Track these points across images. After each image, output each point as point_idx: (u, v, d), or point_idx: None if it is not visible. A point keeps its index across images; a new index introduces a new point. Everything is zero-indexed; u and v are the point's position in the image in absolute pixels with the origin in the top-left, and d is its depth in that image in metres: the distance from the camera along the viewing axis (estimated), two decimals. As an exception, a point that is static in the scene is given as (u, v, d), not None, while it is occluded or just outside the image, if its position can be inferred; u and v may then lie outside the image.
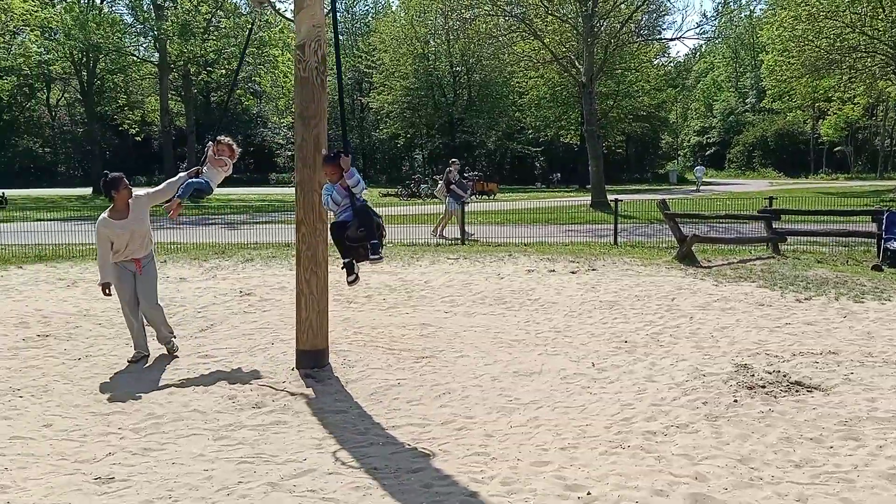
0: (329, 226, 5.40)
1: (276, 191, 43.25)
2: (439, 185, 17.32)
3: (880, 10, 29.99)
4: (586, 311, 8.20)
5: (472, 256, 12.40)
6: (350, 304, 8.65)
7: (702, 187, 41.21)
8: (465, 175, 34.36)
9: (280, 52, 34.41)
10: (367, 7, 61.76)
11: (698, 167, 47.12)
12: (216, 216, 21.37)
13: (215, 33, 34.89)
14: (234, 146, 6.60)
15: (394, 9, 57.97)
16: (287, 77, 33.58)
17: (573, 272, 10.82)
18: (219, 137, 6.54)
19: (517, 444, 4.44)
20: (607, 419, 4.84)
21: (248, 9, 35.71)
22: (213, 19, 34.68)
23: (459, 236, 15.37)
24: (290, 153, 54.98)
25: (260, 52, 33.82)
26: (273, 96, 50.33)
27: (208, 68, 38.55)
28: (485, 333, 7.25)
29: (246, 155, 62.10)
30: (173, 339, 6.58)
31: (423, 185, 35.63)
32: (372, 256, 5.27)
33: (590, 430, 4.64)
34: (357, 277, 5.50)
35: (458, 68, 51.59)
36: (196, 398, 5.39)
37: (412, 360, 6.33)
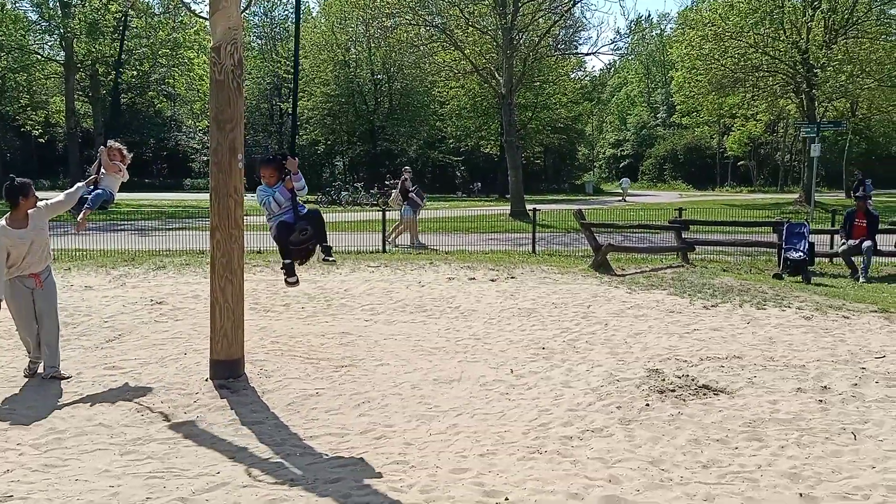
0: (273, 226, 5.44)
1: (190, 196, 41.94)
2: (394, 194, 17.26)
3: (781, 31, 31.80)
4: (505, 319, 8.30)
5: (392, 264, 12.36)
6: (267, 313, 8.47)
7: (619, 198, 42.63)
8: (387, 183, 34.25)
9: (196, 54, 33.49)
10: (286, 12, 60.77)
11: (624, 179, 49.61)
12: (126, 222, 20.53)
13: (126, 33, 33.64)
14: (125, 150, 6.33)
15: (314, 14, 57.36)
16: (203, 80, 32.72)
17: (493, 280, 10.94)
18: (108, 142, 6.28)
19: (436, 452, 4.44)
20: (525, 425, 4.90)
21: (160, 9, 34.63)
22: (125, 19, 33.43)
23: (411, 244, 15.46)
24: (205, 158, 53.47)
25: (174, 53, 32.82)
26: (188, 99, 48.91)
27: (118, 69, 37.10)
28: (405, 341, 7.23)
29: (159, 159, 60.09)
30: (59, 369, 5.99)
31: (343, 193, 35.31)
32: (329, 258, 5.60)
33: (508, 437, 4.69)
34: (297, 280, 5.67)
35: (379, 76, 51.48)
36: (102, 412, 5.15)
37: (331, 370, 6.24)
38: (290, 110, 58.31)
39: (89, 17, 31.90)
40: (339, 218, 21.50)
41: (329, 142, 53.71)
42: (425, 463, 4.27)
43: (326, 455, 4.41)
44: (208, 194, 5.95)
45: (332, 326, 7.84)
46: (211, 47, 5.87)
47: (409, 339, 7.34)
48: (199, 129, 55.33)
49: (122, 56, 34.05)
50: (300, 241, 5.42)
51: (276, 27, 59.69)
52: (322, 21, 51.93)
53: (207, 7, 5.97)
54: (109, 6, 32.11)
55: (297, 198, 5.45)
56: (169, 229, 17.08)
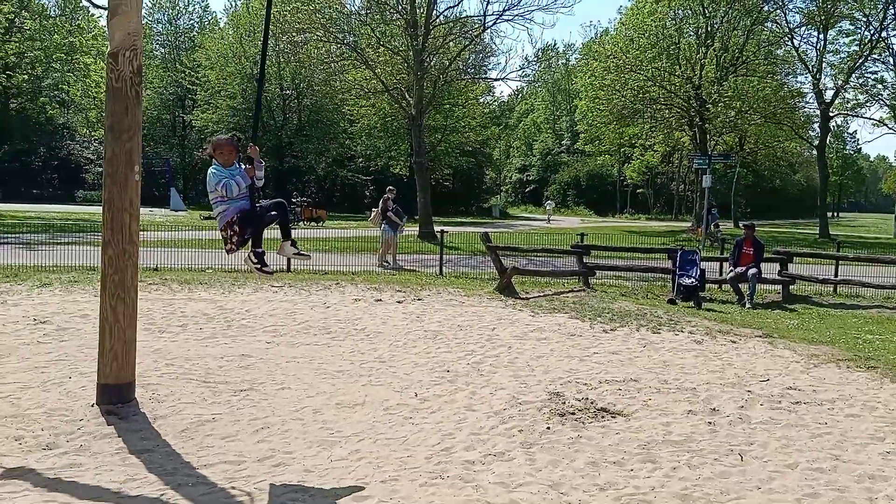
0: (230, 212, 5.04)
1: (82, 209, 39.89)
2: (374, 213, 17.06)
3: (677, 67, 33.57)
4: (411, 341, 8.26)
5: (297, 284, 12.12)
6: (162, 334, 8.10)
7: (543, 219, 43.73)
8: (294, 201, 33.73)
9: (93, 59, 32.02)
10: (191, 21, 59.15)
11: (549, 201, 51.82)
12: (10, 235, 19.27)
13: (18, 35, 31.81)
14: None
15: (221, 25, 56.07)
16: (100, 87, 31.27)
17: (399, 302, 10.90)
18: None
19: (337, 479, 4.34)
20: (428, 450, 4.87)
21: (56, 11, 32.98)
22: (17, 20, 31.61)
23: (389, 263, 15.36)
24: (99, 169, 51.02)
25: (70, 58, 31.27)
26: (83, 107, 46.64)
27: (7, 72, 34.99)
28: (308, 364, 7.07)
29: (49, 169, 56.84)
30: None
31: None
32: (303, 253, 5.61)
33: (410, 462, 4.64)
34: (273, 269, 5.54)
35: (288, 91, 50.80)
36: (-27, 441, 4.75)
37: (229, 394, 6.02)
38: (193, 122, 56.32)
39: (-24, 17, 30.06)
40: (243, 235, 20.95)
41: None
42: (325, 491, 4.16)
43: (221, 484, 4.22)
44: (101, 207, 5.64)
45: (232, 348, 7.57)
46: (108, 53, 5.61)
47: (313, 361, 7.18)
48: (94, 139, 52.80)
49: (13, 59, 32.12)
50: (259, 230, 5.21)
51: (180, 36, 57.93)
52: (230, 32, 50.79)
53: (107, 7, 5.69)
54: (1, 7, 30.33)
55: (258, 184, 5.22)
56: (58, 243, 16.12)
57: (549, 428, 5.34)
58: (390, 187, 17.68)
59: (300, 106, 50.85)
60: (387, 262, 16.17)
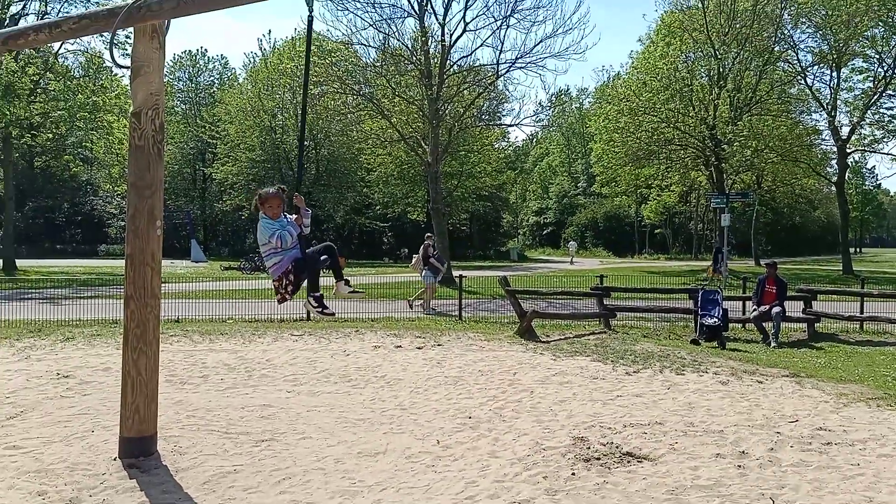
0: (285, 261, 5.18)
1: (105, 263, 40.45)
2: (415, 259, 17.32)
3: (690, 108, 33.76)
4: (432, 387, 8.21)
5: (317, 333, 12.13)
6: (184, 386, 8.12)
7: (568, 261, 43.78)
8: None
9: (116, 117, 32.79)
10: (212, 78, 60.70)
11: (571, 242, 52.79)
12: (34, 290, 19.55)
13: (42, 96, 32.72)
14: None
15: (240, 81, 57.40)
16: (123, 144, 31.93)
17: (419, 348, 10.87)
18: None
19: (360, 531, 4.28)
20: (451, 498, 4.80)
21: (80, 72, 33.94)
22: (42, 81, 32.57)
23: (432, 308, 15.55)
24: (122, 223, 51.85)
25: (93, 117, 32.04)
26: (106, 163, 47.63)
27: (32, 132, 35.92)
28: (329, 413, 7.04)
29: (73, 224, 57.93)
30: None
31: (267, 259, 34.71)
32: (357, 291, 5.77)
33: (434, 511, 4.57)
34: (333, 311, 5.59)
35: (306, 142, 51.63)
36: (-3, 497, 4.76)
37: (251, 444, 5.99)
38: (214, 175, 57.15)
39: (4, 80, 30.95)
40: (263, 285, 21.06)
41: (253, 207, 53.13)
42: (348, 543, 4.10)
43: (243, 538, 4.18)
44: (124, 261, 5.73)
45: (253, 399, 7.57)
46: (131, 112, 5.76)
47: (333, 410, 7.15)
48: (117, 194, 53.85)
49: (38, 118, 33.01)
50: (314, 276, 5.34)
51: (200, 92, 59.39)
52: (248, 87, 51.99)
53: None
54: (27, 69, 31.27)
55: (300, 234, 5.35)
56: (81, 298, 16.32)
57: (573, 474, 5.25)
58: (429, 234, 17.99)
59: (318, 156, 51.62)
60: (432, 308, 16.32)
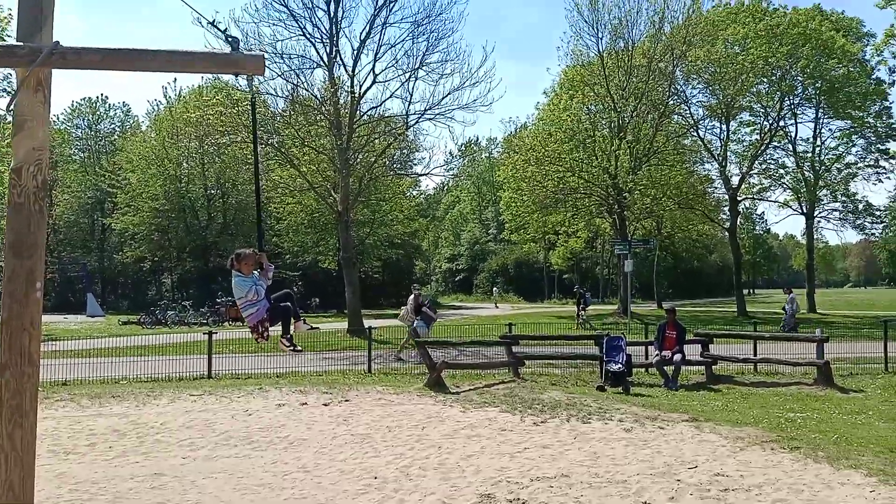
0: (260, 309, 5.83)
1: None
2: (404, 310, 16.90)
3: (593, 158, 35.09)
4: (337, 447, 7.98)
5: (218, 391, 11.65)
6: (68, 456, 7.57)
7: (452, 312, 43.97)
8: (218, 301, 32.93)
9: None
10: (113, 125, 58.64)
11: (495, 288, 54.43)
12: None
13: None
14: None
15: (144, 128, 55.71)
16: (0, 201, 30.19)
17: (326, 404, 10.59)
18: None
19: None
20: (353, 569, 4.61)
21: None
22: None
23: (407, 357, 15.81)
24: None
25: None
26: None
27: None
28: (227, 480, 6.71)
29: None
30: None
31: (169, 312, 33.36)
32: (313, 327, 6.67)
33: (334, 585, 4.37)
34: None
35: (212, 191, 50.44)
36: None
37: (138, 519, 5.61)
38: (112, 225, 54.69)
39: None
40: (164, 340, 20.14)
41: (157, 258, 51.19)
42: None
43: None
44: (-2, 327, 5.33)
45: (144, 467, 7.12)
46: (11, 168, 5.43)
47: (232, 476, 6.82)
48: None
49: None
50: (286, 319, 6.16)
51: (101, 140, 57.24)
52: (152, 136, 50.51)
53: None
54: None
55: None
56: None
57: (479, 535, 5.16)
58: (415, 285, 17.91)
59: (225, 205, 50.49)
60: (405, 356, 16.09)
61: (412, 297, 17.53)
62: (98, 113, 57.00)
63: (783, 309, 25.81)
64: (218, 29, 5.46)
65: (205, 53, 3.68)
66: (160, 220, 48.32)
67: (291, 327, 6.26)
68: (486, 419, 9.44)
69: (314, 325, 6.85)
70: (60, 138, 53.89)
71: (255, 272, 5.95)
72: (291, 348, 6.27)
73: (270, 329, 5.98)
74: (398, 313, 18.97)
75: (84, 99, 56.94)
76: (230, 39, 3.76)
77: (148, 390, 11.73)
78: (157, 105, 52.99)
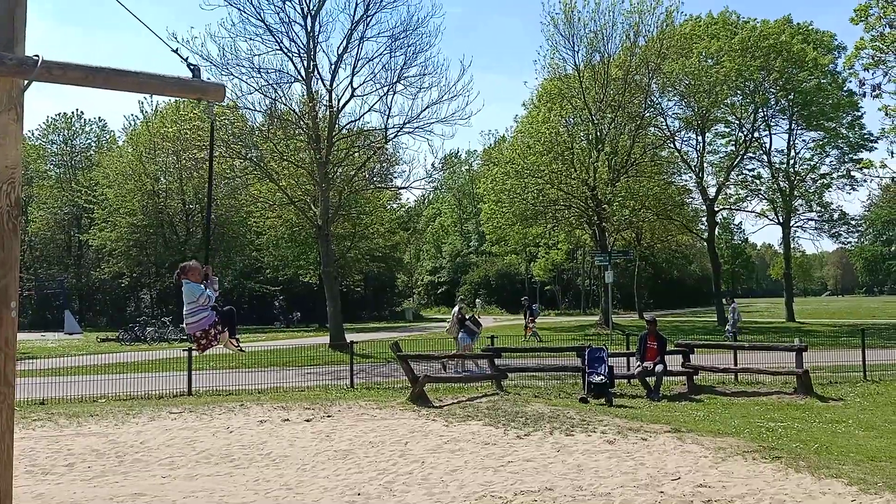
0: (209, 315, 5.75)
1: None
2: (449, 324, 17.36)
3: (572, 170, 35.28)
4: (320, 463, 7.91)
5: (199, 409, 11.50)
6: (46, 476, 7.43)
7: (437, 324, 43.99)
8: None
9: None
10: (89, 140, 58.02)
11: (478, 300, 56.35)
12: None
13: None
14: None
15: (120, 143, 55.16)
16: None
17: (308, 420, 10.50)
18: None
19: None
20: (337, 588, 4.56)
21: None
22: None
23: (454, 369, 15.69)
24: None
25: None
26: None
27: None
28: (208, 499, 6.62)
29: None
30: None
31: (148, 329, 32.97)
32: (242, 349, 6.36)
33: None
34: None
35: (191, 206, 50.05)
36: None
37: (117, 542, 5.51)
38: (89, 241, 54.04)
39: None
40: (143, 357, 19.92)
41: (135, 274, 50.62)
42: None
43: None
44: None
45: (123, 487, 7.01)
46: (-16, 186, 5.36)
47: (213, 495, 6.73)
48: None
49: None
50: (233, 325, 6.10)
51: (76, 155, 56.57)
52: (129, 150, 50.04)
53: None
54: None
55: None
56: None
57: (464, 551, 5.13)
58: (461, 297, 18.00)
59: (204, 220, 50.07)
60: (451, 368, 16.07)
61: (456, 308, 17.73)
62: (73, 128, 56.39)
63: (726, 318, 27.50)
64: (180, 56, 5.47)
65: (176, 79, 3.87)
66: (138, 235, 47.85)
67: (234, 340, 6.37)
68: (469, 433, 9.41)
69: (243, 349, 6.67)
70: (35, 154, 53.26)
71: (203, 283, 5.95)
72: (239, 349, 6.28)
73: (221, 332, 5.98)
74: (379, 326, 19.02)
75: (59, 114, 56.33)
76: (191, 67, 3.85)
77: (127, 408, 11.56)
78: (134, 120, 52.54)
